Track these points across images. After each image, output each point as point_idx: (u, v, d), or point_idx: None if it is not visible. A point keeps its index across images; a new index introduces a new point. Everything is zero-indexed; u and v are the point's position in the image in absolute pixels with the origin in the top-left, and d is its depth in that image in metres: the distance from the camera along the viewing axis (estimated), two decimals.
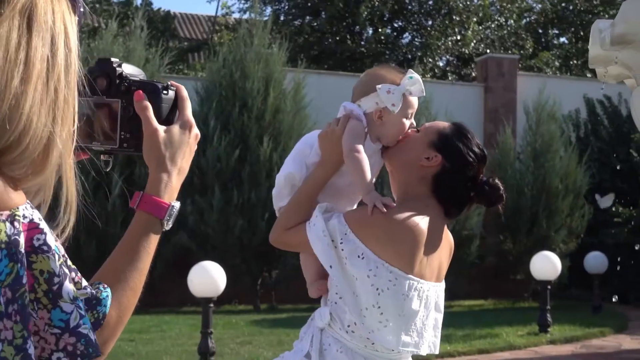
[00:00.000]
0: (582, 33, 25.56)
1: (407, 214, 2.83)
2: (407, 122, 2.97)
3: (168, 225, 1.68)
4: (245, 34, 15.08)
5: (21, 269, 1.27)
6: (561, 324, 11.85)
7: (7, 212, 1.27)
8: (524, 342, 10.72)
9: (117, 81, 1.73)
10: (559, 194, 15.46)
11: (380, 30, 23.06)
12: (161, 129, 1.70)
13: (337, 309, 2.87)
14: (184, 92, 1.76)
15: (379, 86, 2.90)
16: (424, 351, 2.90)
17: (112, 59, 1.74)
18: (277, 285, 14.37)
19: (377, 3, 22.48)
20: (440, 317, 2.98)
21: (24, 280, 1.27)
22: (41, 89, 1.30)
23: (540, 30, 26.17)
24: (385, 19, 23.43)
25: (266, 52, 14.71)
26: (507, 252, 15.81)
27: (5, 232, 1.25)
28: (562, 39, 26.55)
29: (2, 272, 1.24)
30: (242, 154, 14.03)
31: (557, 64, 24.18)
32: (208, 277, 8.80)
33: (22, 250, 1.27)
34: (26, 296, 1.28)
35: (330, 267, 2.82)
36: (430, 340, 2.92)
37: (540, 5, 26.01)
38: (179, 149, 1.71)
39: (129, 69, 1.75)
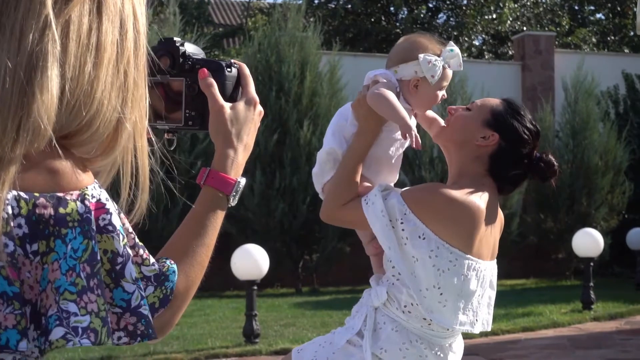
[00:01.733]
0: (618, 9, 25.27)
1: (465, 193, 2.83)
2: (440, 94, 2.94)
3: (234, 201, 1.70)
4: (280, 17, 15.09)
5: (95, 246, 1.30)
6: (604, 301, 11.81)
7: (77, 192, 1.29)
8: (567, 319, 10.69)
9: (181, 60, 1.74)
10: (598, 170, 15.35)
11: (415, 10, 22.95)
12: (227, 105, 1.72)
13: (393, 289, 2.86)
14: (247, 70, 1.77)
15: (421, 55, 2.88)
16: (477, 329, 2.92)
17: (175, 38, 1.75)
18: (318, 268, 14.41)
19: None
20: (493, 294, 2.99)
21: (98, 257, 1.30)
22: (112, 72, 1.33)
23: (576, 7, 25.91)
24: None
25: (301, 36, 14.71)
26: (548, 231, 15.72)
27: (77, 210, 1.28)
28: (599, 15, 26.27)
29: (78, 249, 1.27)
30: (280, 138, 14.07)
31: (594, 40, 23.93)
32: (251, 260, 8.84)
33: (94, 227, 1.30)
34: (101, 272, 1.31)
35: (389, 248, 2.81)
36: (484, 318, 2.94)
37: None
38: (244, 125, 1.72)
39: (191, 48, 1.76)
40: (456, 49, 2.93)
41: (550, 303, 11.86)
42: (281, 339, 9.24)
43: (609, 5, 25.54)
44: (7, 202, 1.22)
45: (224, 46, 23.97)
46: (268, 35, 14.87)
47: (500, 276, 12.04)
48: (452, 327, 2.85)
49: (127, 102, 1.36)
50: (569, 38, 23.78)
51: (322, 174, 3.05)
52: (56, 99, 1.25)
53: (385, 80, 2.91)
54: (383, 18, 23.07)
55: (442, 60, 2.89)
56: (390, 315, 2.87)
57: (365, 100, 2.90)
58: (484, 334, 9.45)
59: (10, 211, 1.22)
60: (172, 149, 1.82)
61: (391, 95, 2.85)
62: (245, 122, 1.73)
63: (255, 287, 8.93)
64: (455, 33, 22.11)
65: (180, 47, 1.75)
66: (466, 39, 22.59)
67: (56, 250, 1.26)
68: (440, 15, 23.77)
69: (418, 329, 2.86)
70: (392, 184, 3.05)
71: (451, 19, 23.48)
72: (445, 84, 2.95)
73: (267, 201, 13.83)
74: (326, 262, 14.16)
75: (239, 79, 1.77)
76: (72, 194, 1.29)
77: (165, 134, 1.80)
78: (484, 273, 2.87)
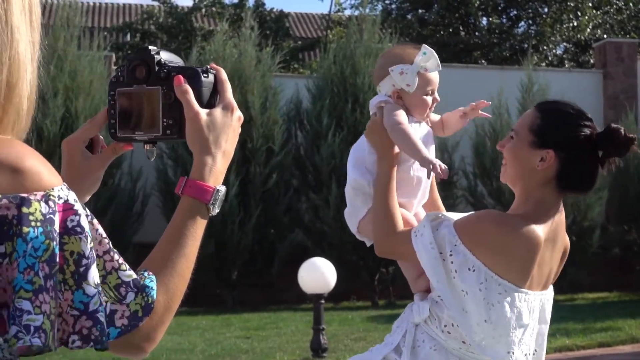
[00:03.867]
0: None
1: (525, 223, 2.70)
2: (428, 99, 2.92)
3: (215, 210, 1.66)
4: (355, 30, 15.07)
5: (56, 247, 1.29)
6: None
7: (41, 193, 1.29)
8: None
9: (157, 68, 1.72)
10: None
11: (493, 19, 22.71)
12: (203, 112, 1.69)
13: (436, 307, 2.78)
14: (224, 75, 1.75)
15: (391, 68, 2.88)
16: None
17: (150, 47, 1.74)
18: (394, 281, 14.29)
19: None
20: (545, 328, 2.88)
21: (57, 259, 1.30)
22: None
23: None
24: (499, 8, 23.06)
25: (376, 47, 14.65)
26: (632, 242, 15.35)
27: (41, 210, 1.28)
28: None
29: (39, 247, 1.27)
30: None
31: None
32: (318, 274, 8.81)
33: (57, 229, 1.30)
34: (57, 275, 1.31)
35: (437, 281, 2.71)
36: (535, 349, 2.85)
37: None
38: (222, 131, 1.70)
39: (167, 56, 1.75)
40: (429, 51, 2.90)
41: (631, 317, 11.52)
42: (350, 353, 9.16)
43: None
44: None
45: (305, 59, 24.09)
46: (343, 48, 14.87)
47: (582, 289, 11.78)
48: None
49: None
50: None
51: (354, 212, 3.03)
52: None
53: (391, 104, 2.90)
54: (461, 28, 22.87)
55: (416, 67, 2.87)
56: (430, 334, 2.80)
57: (376, 126, 2.89)
58: (557, 350, 9.23)
59: None
60: (152, 160, 1.82)
61: (408, 131, 2.82)
62: (223, 128, 1.70)
63: (323, 301, 8.89)
64: (534, 42, 21.80)
65: (156, 56, 1.73)
66: (545, 47, 22.25)
67: (17, 249, 1.26)
68: (520, 25, 23.47)
69: (457, 349, 2.77)
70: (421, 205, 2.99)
71: (531, 27, 23.15)
72: (431, 87, 2.92)
73: (342, 214, 13.73)
74: (402, 275, 13.97)
75: (216, 85, 1.74)
76: (36, 194, 1.29)
77: (145, 145, 1.79)
78: (532, 305, 2.76)
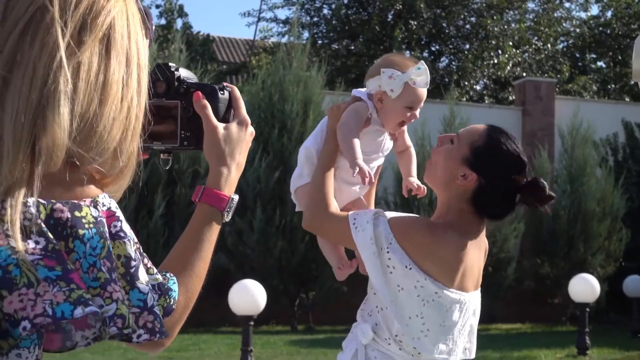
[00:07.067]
0: (620, 57, 25.44)
1: (450, 231, 2.85)
2: (407, 112, 2.97)
3: (228, 217, 1.80)
4: (284, 57, 15.23)
5: (110, 246, 1.38)
6: (600, 347, 11.81)
7: (89, 199, 1.38)
8: None
9: (176, 84, 1.85)
10: (595, 217, 15.40)
11: (415, 53, 23.09)
12: (220, 126, 1.82)
13: (385, 319, 2.86)
14: (238, 93, 1.88)
15: (384, 70, 2.93)
16: (458, 357, 2.93)
17: (170, 64, 1.86)
18: (314, 307, 14.42)
19: (414, 27, 22.57)
20: (475, 322, 3.00)
21: (113, 257, 1.39)
22: (115, 107, 1.42)
23: (577, 55, 26.09)
24: (422, 42, 23.50)
25: (305, 75, 14.84)
26: (545, 276, 15.74)
27: (91, 214, 1.37)
28: (600, 63, 26.44)
29: (96, 247, 1.35)
30: (281, 176, 14.14)
31: (594, 88, 24.10)
32: (249, 296, 8.89)
33: (107, 230, 1.39)
34: (117, 267, 1.39)
35: (375, 277, 2.83)
36: (465, 346, 2.96)
37: (577, 29, 25.94)
38: (237, 144, 1.83)
39: (185, 73, 1.87)
40: (424, 67, 2.96)
41: (546, 348, 11.86)
42: None
43: (610, 53, 25.72)
44: (29, 205, 1.30)
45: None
46: (272, 74, 15.01)
47: (497, 320, 12.05)
48: (431, 356, 2.86)
49: (127, 135, 1.45)
50: (570, 85, 23.95)
51: (299, 177, 3.10)
52: (66, 134, 1.34)
53: (360, 104, 2.99)
54: None
55: (406, 76, 2.93)
56: (381, 350, 2.88)
57: (337, 113, 2.99)
58: None
59: (34, 211, 1.30)
60: (167, 168, 1.94)
61: (351, 133, 2.91)
62: (237, 141, 1.83)
63: (252, 323, 8.97)
64: (455, 77, 22.25)
65: (176, 72, 1.85)
66: (466, 83, 22.73)
67: (76, 250, 1.33)
68: (442, 59, 23.94)
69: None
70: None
71: (453, 63, 23.63)
72: (412, 102, 2.97)
73: (266, 238, 13.87)
74: (322, 301, 14.16)
75: (231, 101, 1.87)
76: (85, 201, 1.37)
77: (161, 155, 1.90)
78: (467, 305, 2.90)
